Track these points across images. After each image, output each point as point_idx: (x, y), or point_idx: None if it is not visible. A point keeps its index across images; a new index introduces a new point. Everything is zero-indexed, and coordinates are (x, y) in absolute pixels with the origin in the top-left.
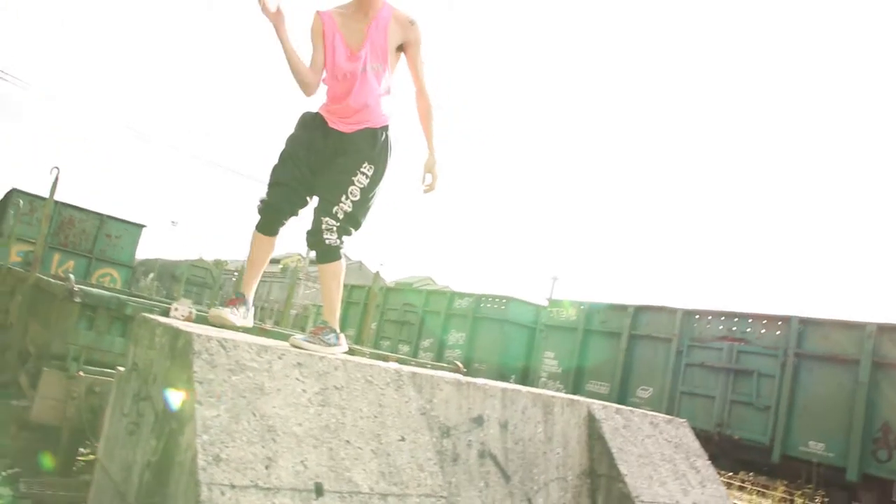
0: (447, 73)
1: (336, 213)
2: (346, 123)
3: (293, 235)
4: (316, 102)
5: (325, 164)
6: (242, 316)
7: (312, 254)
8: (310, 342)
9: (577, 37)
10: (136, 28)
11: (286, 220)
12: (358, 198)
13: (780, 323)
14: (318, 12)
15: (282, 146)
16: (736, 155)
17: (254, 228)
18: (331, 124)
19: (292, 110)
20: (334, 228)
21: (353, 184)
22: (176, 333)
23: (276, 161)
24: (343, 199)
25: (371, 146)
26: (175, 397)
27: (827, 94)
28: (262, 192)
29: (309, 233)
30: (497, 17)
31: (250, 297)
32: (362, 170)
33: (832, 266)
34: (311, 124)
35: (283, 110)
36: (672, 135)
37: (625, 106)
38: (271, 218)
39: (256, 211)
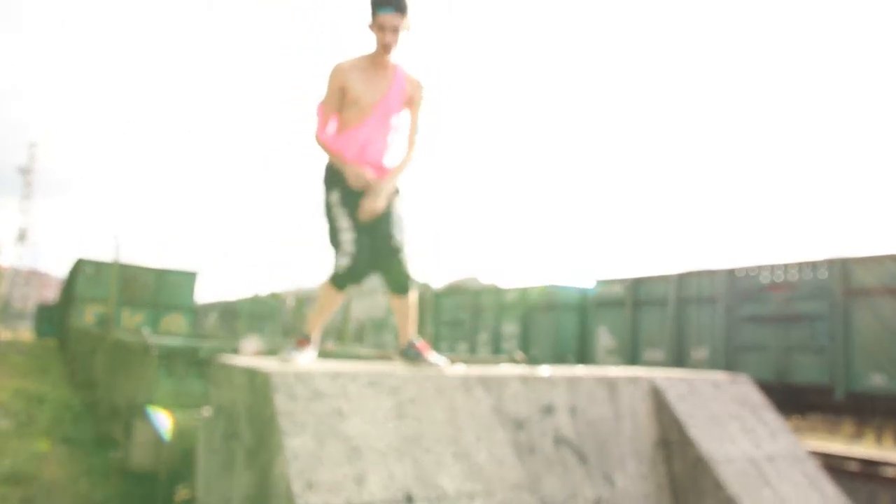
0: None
1: (407, 253)
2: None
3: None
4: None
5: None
6: (309, 357)
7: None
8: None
9: (600, 31)
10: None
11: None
12: (404, 235)
13: (822, 267)
14: (338, 66)
15: (337, 207)
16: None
17: (329, 282)
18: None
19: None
20: (409, 265)
21: (399, 224)
22: (253, 373)
23: (341, 224)
24: (401, 241)
25: (397, 192)
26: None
27: (827, 92)
28: (339, 254)
29: (399, 281)
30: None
31: (318, 338)
32: (398, 213)
33: (868, 202)
34: (344, 181)
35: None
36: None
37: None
38: (351, 282)
39: (337, 271)
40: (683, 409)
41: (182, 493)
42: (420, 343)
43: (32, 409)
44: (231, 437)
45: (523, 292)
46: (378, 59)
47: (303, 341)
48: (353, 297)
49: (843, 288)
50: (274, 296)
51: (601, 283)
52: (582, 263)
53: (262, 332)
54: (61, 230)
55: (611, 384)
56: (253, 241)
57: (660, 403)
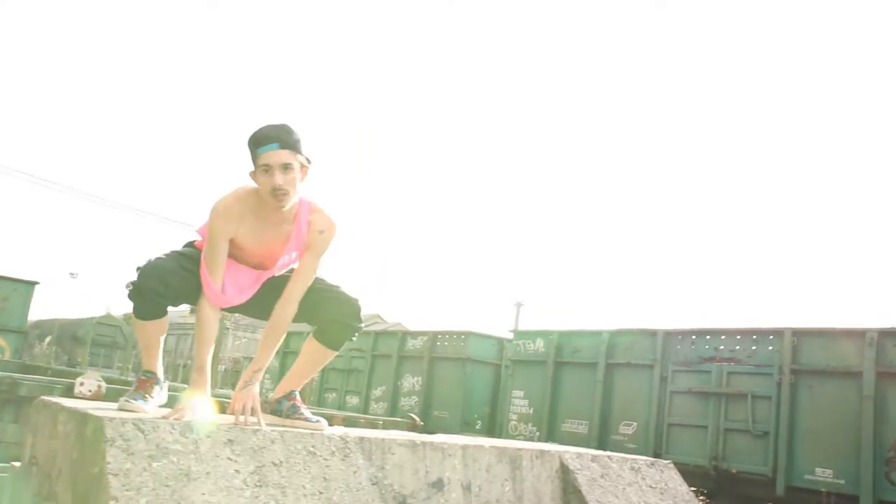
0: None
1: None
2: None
3: None
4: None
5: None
6: (158, 399)
7: None
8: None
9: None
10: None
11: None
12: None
13: (771, 337)
14: (221, 210)
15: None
16: (705, 164)
17: (132, 313)
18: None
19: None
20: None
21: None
22: (84, 418)
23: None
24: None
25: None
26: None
27: (806, 104)
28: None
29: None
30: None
31: (161, 372)
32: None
33: (820, 273)
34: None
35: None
36: (636, 149)
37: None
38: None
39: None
40: (595, 496)
41: None
42: (297, 398)
43: None
44: (45, 500)
45: (432, 338)
46: (271, 207)
47: (144, 381)
48: (230, 330)
49: (791, 365)
50: (128, 317)
51: (520, 334)
52: (510, 307)
53: (108, 365)
54: None
55: (514, 459)
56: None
57: (568, 485)
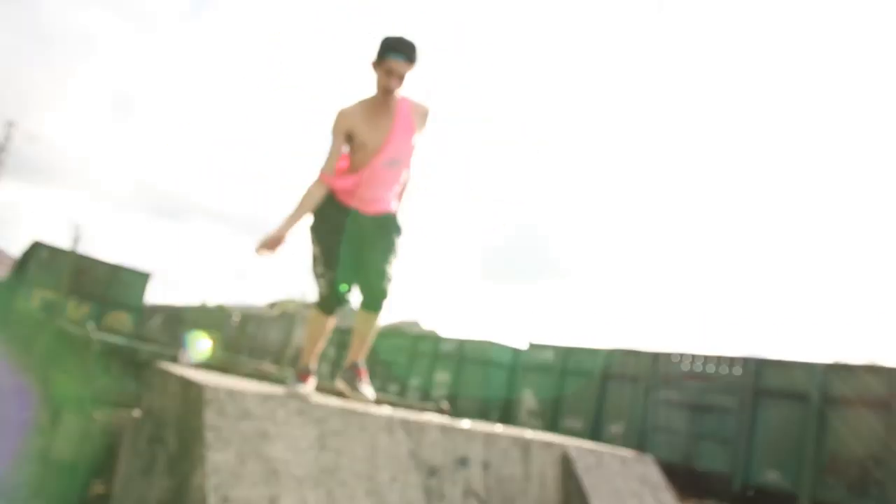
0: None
1: (389, 277)
2: (368, 207)
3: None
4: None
5: (364, 243)
6: (312, 388)
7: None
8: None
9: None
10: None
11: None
12: (393, 265)
13: (738, 364)
14: (340, 112)
15: (311, 237)
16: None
17: (315, 309)
18: (351, 206)
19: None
20: (389, 286)
21: (392, 254)
22: (188, 383)
23: (317, 252)
24: (389, 267)
25: (396, 228)
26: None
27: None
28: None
29: (375, 296)
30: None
31: (314, 367)
32: (395, 246)
33: (789, 305)
34: (330, 211)
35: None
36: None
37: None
38: (334, 305)
39: (320, 297)
40: (589, 481)
41: (97, 487)
42: (362, 369)
43: None
44: (156, 442)
45: (460, 344)
46: (380, 101)
47: (304, 375)
48: (297, 322)
49: (753, 386)
50: (221, 308)
51: (534, 346)
52: (519, 325)
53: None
54: (23, 211)
55: (525, 446)
56: (214, 246)
57: (568, 471)
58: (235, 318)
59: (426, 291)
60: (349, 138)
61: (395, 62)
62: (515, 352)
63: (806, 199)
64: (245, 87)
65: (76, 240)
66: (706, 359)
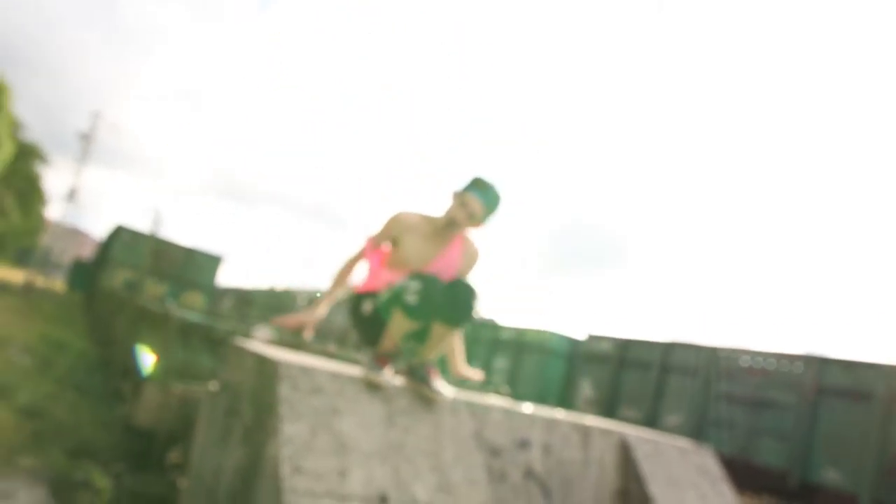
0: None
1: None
2: None
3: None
4: None
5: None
6: (389, 372)
7: None
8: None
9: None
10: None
11: None
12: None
13: (799, 361)
14: (398, 215)
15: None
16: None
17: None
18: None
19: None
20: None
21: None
22: (263, 359)
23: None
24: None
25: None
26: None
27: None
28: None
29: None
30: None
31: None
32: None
33: (857, 304)
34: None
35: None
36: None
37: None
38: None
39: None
40: (647, 468)
41: (175, 455)
42: (433, 368)
43: (53, 354)
44: (232, 414)
45: (519, 332)
46: (440, 227)
47: (383, 360)
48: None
49: (814, 384)
50: (288, 291)
51: (592, 337)
52: (577, 316)
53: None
54: (105, 196)
55: (585, 431)
56: (282, 232)
57: (627, 457)
58: (302, 302)
59: (487, 280)
60: (393, 243)
61: (473, 199)
62: (573, 341)
63: (870, 197)
64: (313, 79)
65: (155, 224)
66: (767, 355)
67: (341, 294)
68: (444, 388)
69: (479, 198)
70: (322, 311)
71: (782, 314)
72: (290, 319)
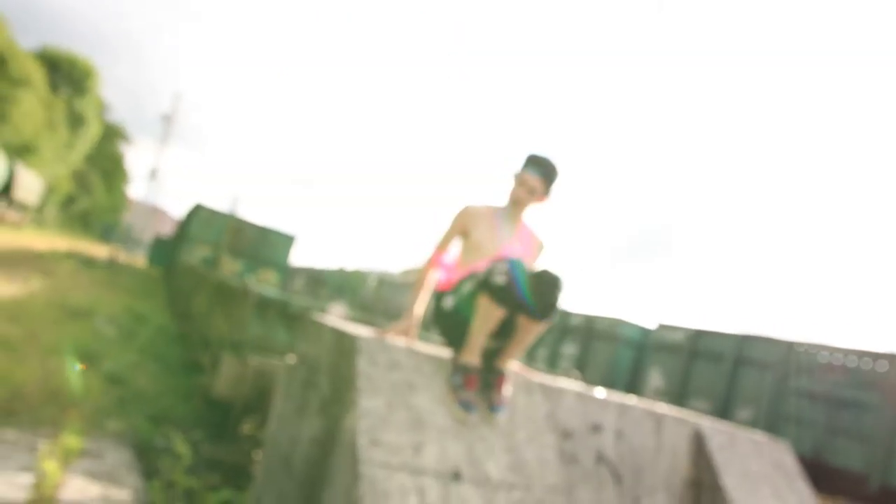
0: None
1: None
2: None
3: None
4: None
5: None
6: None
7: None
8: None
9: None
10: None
11: None
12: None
13: (883, 359)
14: (465, 208)
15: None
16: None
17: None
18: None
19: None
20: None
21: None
22: (341, 334)
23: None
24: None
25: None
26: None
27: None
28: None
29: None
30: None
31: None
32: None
33: None
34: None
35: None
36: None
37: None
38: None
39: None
40: (721, 459)
41: (249, 425)
42: (504, 376)
43: (136, 325)
44: (310, 386)
45: (589, 319)
46: (507, 210)
47: (471, 379)
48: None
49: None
50: (358, 272)
51: (663, 327)
52: (649, 305)
53: (344, 303)
54: (184, 175)
55: (658, 419)
56: (354, 216)
57: (700, 447)
58: (371, 282)
59: (558, 266)
60: (464, 236)
61: (530, 175)
62: (644, 330)
63: None
64: (389, 62)
65: (233, 202)
66: (847, 351)
67: (426, 296)
68: (510, 393)
69: (535, 173)
70: (417, 314)
71: (865, 310)
72: (392, 331)
